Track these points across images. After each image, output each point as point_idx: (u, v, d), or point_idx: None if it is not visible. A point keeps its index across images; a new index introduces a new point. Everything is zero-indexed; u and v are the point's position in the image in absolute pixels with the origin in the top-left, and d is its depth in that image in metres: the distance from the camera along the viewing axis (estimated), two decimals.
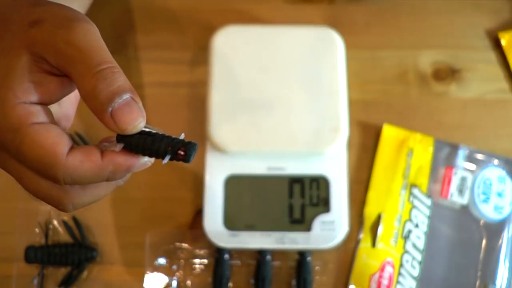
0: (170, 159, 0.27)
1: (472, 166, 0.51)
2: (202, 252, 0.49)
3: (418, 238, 0.49)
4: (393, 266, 0.48)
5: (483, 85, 0.55)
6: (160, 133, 0.27)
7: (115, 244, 0.50)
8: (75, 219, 0.50)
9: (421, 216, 0.49)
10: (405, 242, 0.49)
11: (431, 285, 0.48)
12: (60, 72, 0.27)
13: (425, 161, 0.51)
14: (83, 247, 0.49)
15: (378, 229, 0.49)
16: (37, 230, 0.50)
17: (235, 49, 0.53)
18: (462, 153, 0.51)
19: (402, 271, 0.48)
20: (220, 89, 0.51)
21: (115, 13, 0.58)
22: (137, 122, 0.26)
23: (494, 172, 0.51)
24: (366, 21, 0.57)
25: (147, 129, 0.27)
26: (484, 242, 0.49)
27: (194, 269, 0.49)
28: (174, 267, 0.49)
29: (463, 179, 0.50)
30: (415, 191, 0.50)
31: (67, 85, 0.28)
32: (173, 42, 0.57)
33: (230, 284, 0.49)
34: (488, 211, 0.50)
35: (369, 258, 0.48)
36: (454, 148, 0.51)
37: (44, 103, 0.27)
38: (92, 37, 0.27)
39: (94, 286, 0.49)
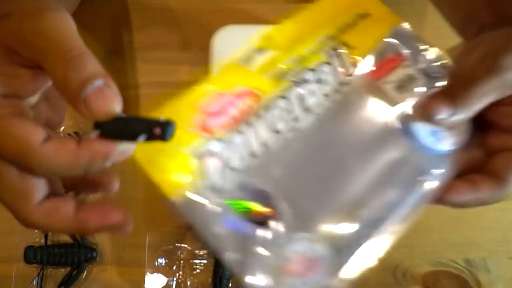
0: (147, 139, 0.26)
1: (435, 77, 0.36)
2: (202, 252, 0.49)
3: (313, 96, 0.34)
4: (253, 100, 0.33)
5: None
6: (135, 115, 0.26)
7: (115, 244, 0.50)
8: None
9: (331, 79, 0.35)
10: (291, 86, 0.34)
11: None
12: (32, 63, 0.27)
13: (376, 33, 0.37)
14: (82, 247, 0.49)
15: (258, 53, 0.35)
16: (36, 230, 0.50)
17: (236, 48, 0.53)
18: (431, 55, 0.37)
19: (268, 116, 0.32)
20: None
21: (115, 13, 0.58)
22: (111, 107, 0.25)
23: None
24: None
25: (125, 116, 0.26)
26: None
27: (194, 269, 0.49)
28: (174, 267, 0.49)
29: (411, 79, 0.36)
30: (342, 49, 0.36)
31: (41, 77, 0.27)
32: (173, 42, 0.57)
33: (230, 284, 0.49)
34: (422, 135, 0.34)
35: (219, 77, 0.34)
36: (424, 49, 0.37)
37: (19, 96, 0.27)
38: (60, 25, 0.26)
39: (93, 287, 0.49)
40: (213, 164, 0.30)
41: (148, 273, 0.48)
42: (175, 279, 0.48)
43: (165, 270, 0.49)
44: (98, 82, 0.25)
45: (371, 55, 0.36)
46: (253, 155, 0.31)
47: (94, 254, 0.49)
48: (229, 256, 0.29)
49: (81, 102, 0.25)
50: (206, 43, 0.53)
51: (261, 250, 0.29)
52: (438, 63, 0.36)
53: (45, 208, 0.27)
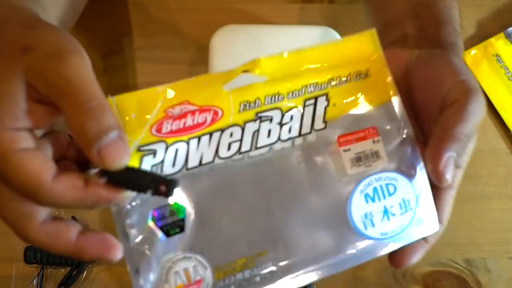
0: (152, 194, 0.28)
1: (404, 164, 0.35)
2: None
3: (268, 137, 0.33)
4: (213, 119, 0.32)
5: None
6: (142, 169, 0.28)
7: None
8: (74, 219, 0.50)
9: (295, 127, 0.34)
10: (253, 120, 0.33)
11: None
12: (47, 100, 0.27)
13: (364, 99, 0.35)
14: None
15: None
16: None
17: (235, 48, 0.53)
18: (406, 141, 0.35)
19: (217, 140, 0.32)
20: None
21: (115, 13, 0.58)
22: (123, 159, 0.27)
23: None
24: (366, 21, 0.57)
25: (131, 168, 0.28)
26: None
27: None
28: None
29: (374, 156, 0.35)
30: (322, 102, 0.34)
31: (55, 114, 0.28)
32: (173, 42, 0.57)
33: None
34: (355, 215, 0.34)
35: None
36: (403, 132, 0.35)
37: (31, 129, 0.28)
38: (84, 71, 0.27)
39: (93, 287, 0.49)
40: (146, 162, 0.30)
41: None
42: None
43: None
44: (113, 134, 0.26)
45: (348, 118, 0.34)
46: (187, 168, 0.31)
47: None
48: (130, 251, 0.30)
49: (94, 151, 0.26)
50: (205, 43, 0.53)
51: (157, 257, 0.31)
52: (409, 151, 0.35)
53: (47, 230, 0.28)
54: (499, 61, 0.56)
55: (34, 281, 0.48)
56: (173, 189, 0.28)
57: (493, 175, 0.54)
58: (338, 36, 0.53)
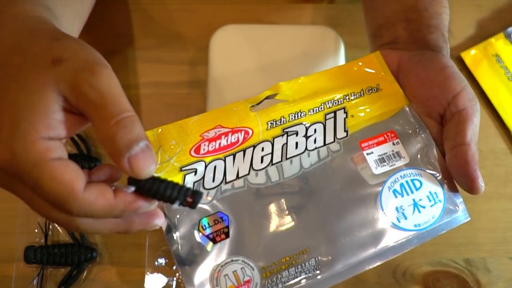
0: (178, 205, 0.29)
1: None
2: None
3: (296, 149, 0.37)
4: (245, 138, 0.36)
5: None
6: (168, 179, 0.30)
7: (115, 244, 0.50)
8: None
9: (319, 139, 0.37)
10: (281, 135, 0.37)
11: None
12: (78, 111, 0.28)
13: (379, 109, 0.39)
14: (82, 247, 0.49)
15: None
16: (36, 230, 0.50)
17: (235, 48, 0.53)
18: (424, 141, 0.38)
19: (251, 154, 0.36)
20: (219, 89, 0.51)
21: (115, 13, 0.58)
22: (151, 168, 0.28)
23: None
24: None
25: (157, 177, 0.30)
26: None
27: None
28: (174, 267, 0.49)
29: (395, 156, 0.37)
30: (341, 115, 0.38)
31: (84, 124, 0.29)
32: (173, 42, 0.57)
33: None
34: (391, 214, 0.36)
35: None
36: (420, 134, 0.38)
37: (61, 139, 0.28)
38: (114, 84, 0.28)
39: (93, 287, 0.49)
40: (189, 179, 0.34)
41: (148, 273, 0.48)
42: (175, 279, 0.48)
43: (165, 270, 0.49)
44: (142, 144, 0.27)
45: (367, 125, 0.38)
46: (226, 181, 0.35)
47: (94, 254, 0.49)
48: (180, 256, 0.33)
49: (124, 159, 0.27)
50: (206, 43, 0.53)
51: (207, 263, 0.33)
52: (428, 148, 0.38)
53: (92, 194, 0.28)
54: (499, 61, 0.56)
55: (34, 281, 0.48)
56: (199, 200, 0.29)
57: (493, 175, 0.55)
58: (338, 36, 0.53)
